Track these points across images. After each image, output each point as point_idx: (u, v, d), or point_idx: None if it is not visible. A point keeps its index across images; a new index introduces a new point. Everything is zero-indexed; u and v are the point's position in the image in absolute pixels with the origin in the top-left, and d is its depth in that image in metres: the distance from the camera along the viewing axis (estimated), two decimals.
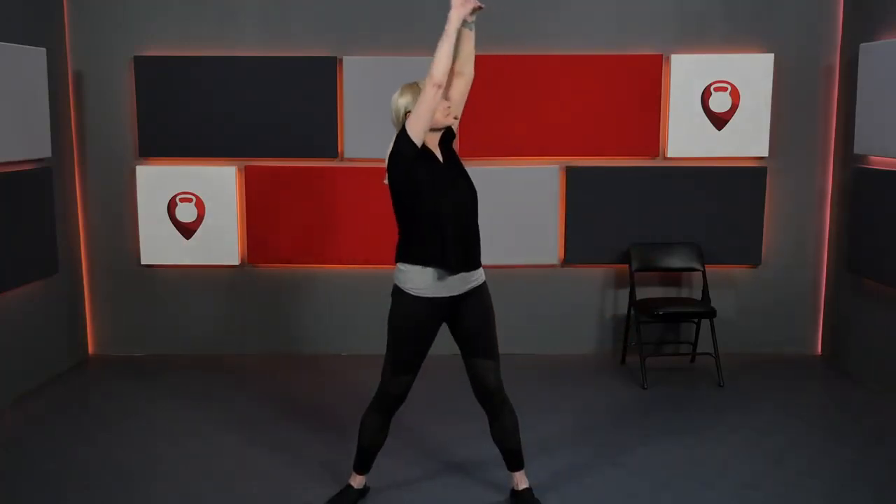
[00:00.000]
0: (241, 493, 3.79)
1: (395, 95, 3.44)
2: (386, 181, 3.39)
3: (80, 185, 5.75)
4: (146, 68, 5.60)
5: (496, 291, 3.69)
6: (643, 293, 5.70)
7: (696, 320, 5.59)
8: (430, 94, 3.20)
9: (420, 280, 3.34)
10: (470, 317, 3.44)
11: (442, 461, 4.11)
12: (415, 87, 3.40)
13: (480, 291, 3.46)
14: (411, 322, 3.38)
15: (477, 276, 3.45)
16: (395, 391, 3.46)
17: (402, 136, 3.28)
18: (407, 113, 3.37)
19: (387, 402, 3.50)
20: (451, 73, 3.48)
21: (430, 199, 3.30)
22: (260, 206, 5.71)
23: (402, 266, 3.38)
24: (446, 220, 3.30)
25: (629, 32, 5.60)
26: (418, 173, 3.31)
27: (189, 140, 5.66)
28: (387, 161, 3.37)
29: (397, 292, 3.41)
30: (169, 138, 5.66)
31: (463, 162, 5.72)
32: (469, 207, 3.41)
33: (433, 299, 3.35)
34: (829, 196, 5.72)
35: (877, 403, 4.92)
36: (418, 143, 3.27)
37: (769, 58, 5.55)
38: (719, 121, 5.61)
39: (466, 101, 5.75)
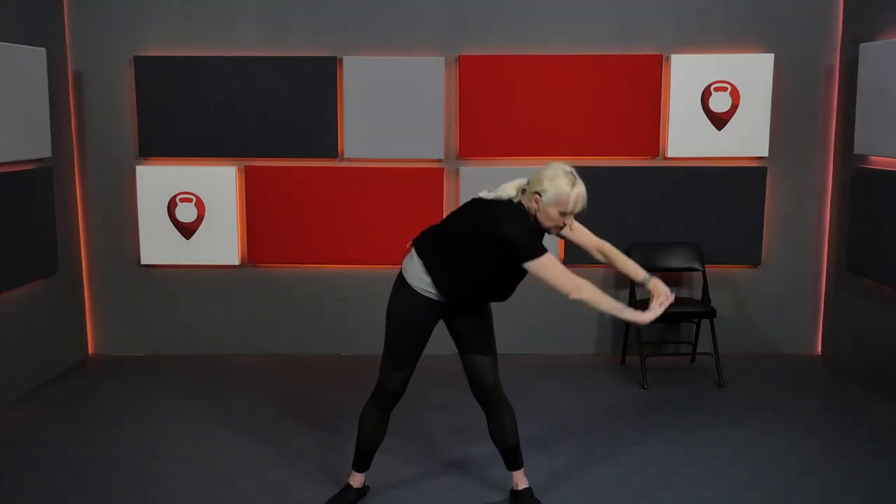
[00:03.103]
0: (240, 492, 3.79)
1: (551, 172, 3.17)
2: (455, 223, 3.32)
3: (80, 185, 5.75)
4: (146, 68, 5.60)
5: None
6: (643, 293, 5.68)
7: (696, 320, 5.59)
8: (561, 285, 3.16)
9: (428, 283, 3.34)
10: (469, 316, 3.45)
11: (442, 461, 4.11)
12: (566, 184, 3.14)
13: None
14: (411, 314, 3.38)
15: None
16: (393, 386, 3.46)
17: (518, 224, 3.14)
18: (535, 194, 3.17)
19: (384, 397, 3.50)
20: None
21: (491, 270, 3.25)
22: (260, 206, 5.71)
23: (419, 265, 3.34)
24: (486, 288, 3.32)
25: (629, 32, 5.60)
26: (500, 253, 3.20)
27: (189, 140, 5.66)
28: (481, 211, 3.20)
29: (401, 284, 3.40)
30: (169, 138, 5.66)
31: (464, 162, 5.75)
32: (506, 291, 3.39)
33: (435, 301, 3.36)
34: (829, 196, 5.72)
35: (877, 404, 4.92)
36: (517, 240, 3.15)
37: (769, 58, 5.55)
38: (719, 121, 5.61)
39: (468, 101, 5.85)
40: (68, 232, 5.60)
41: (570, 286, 3.16)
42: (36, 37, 5.15)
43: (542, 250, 3.14)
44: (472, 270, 3.27)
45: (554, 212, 3.17)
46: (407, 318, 3.38)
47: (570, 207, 3.15)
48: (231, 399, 4.99)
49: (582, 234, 3.47)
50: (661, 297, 3.28)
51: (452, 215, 3.43)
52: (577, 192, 3.15)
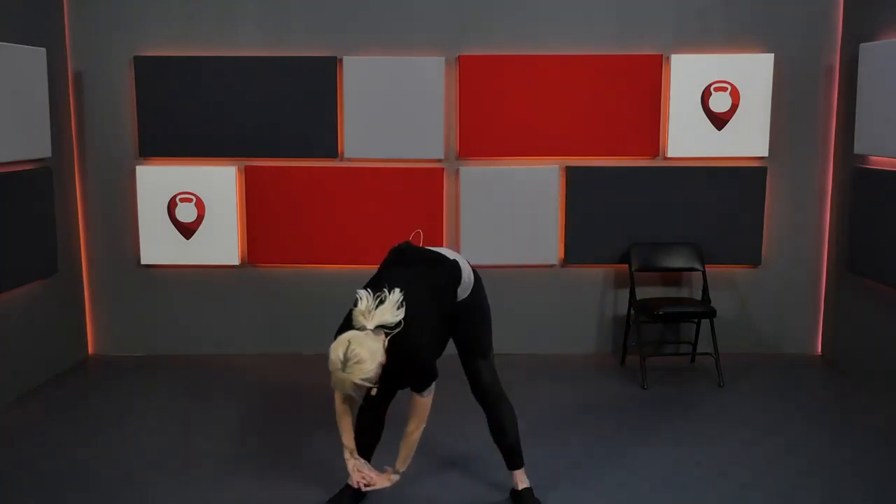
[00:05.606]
0: (240, 493, 3.79)
1: (334, 356, 3.02)
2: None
3: (80, 185, 5.75)
4: (146, 68, 5.60)
5: (496, 291, 3.70)
6: (643, 293, 5.70)
7: (696, 320, 5.59)
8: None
9: None
10: (463, 317, 3.46)
11: (442, 460, 4.11)
12: (333, 367, 3.02)
13: (475, 291, 3.50)
14: None
15: (465, 287, 3.45)
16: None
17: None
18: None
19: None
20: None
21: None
22: (260, 206, 5.71)
23: None
24: None
25: (629, 32, 5.60)
26: None
27: (189, 140, 5.66)
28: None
29: None
30: (169, 138, 5.66)
31: (464, 161, 5.76)
32: None
33: None
34: (829, 196, 5.72)
35: (877, 403, 4.92)
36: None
37: (769, 58, 5.55)
38: (719, 121, 5.61)
39: (468, 101, 5.87)
40: (68, 232, 5.60)
41: (337, 402, 3.34)
42: (36, 37, 5.15)
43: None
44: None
45: None
46: None
47: (332, 384, 3.06)
48: (231, 399, 4.99)
49: (411, 400, 3.31)
50: (370, 477, 3.32)
51: (423, 261, 3.47)
52: (335, 379, 3.03)
